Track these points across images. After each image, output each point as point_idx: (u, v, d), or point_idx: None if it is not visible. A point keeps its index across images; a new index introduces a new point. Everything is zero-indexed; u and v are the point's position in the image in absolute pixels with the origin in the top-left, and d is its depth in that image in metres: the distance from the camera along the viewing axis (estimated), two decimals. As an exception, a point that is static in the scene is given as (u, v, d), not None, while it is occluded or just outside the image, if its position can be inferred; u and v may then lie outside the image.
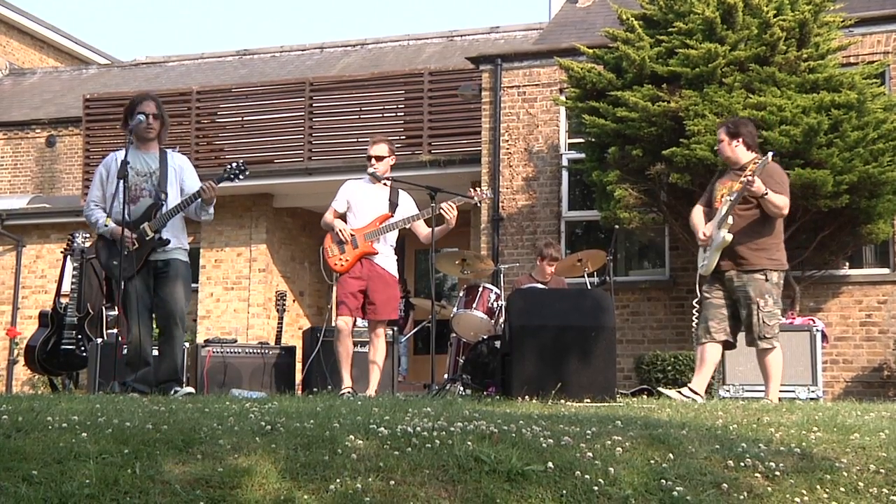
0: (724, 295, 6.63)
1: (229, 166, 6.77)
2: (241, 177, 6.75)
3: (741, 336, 6.72)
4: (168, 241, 6.54)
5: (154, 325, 6.78)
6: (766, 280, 6.51)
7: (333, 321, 7.49)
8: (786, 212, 6.67)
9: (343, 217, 7.48)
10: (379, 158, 7.51)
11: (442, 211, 7.21)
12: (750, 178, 6.32)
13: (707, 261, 6.65)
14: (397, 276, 7.55)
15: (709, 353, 6.63)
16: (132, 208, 6.46)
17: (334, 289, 7.64)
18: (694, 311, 6.79)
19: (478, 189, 7.48)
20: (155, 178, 6.63)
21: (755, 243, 6.55)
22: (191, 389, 6.56)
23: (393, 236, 7.49)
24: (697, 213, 6.90)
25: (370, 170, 7.49)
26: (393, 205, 7.46)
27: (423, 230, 7.53)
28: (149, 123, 6.62)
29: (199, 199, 6.55)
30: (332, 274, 7.50)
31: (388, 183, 7.55)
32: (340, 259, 7.35)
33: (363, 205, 7.45)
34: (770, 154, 6.59)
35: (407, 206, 7.52)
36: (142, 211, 6.55)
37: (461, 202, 7.38)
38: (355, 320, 7.48)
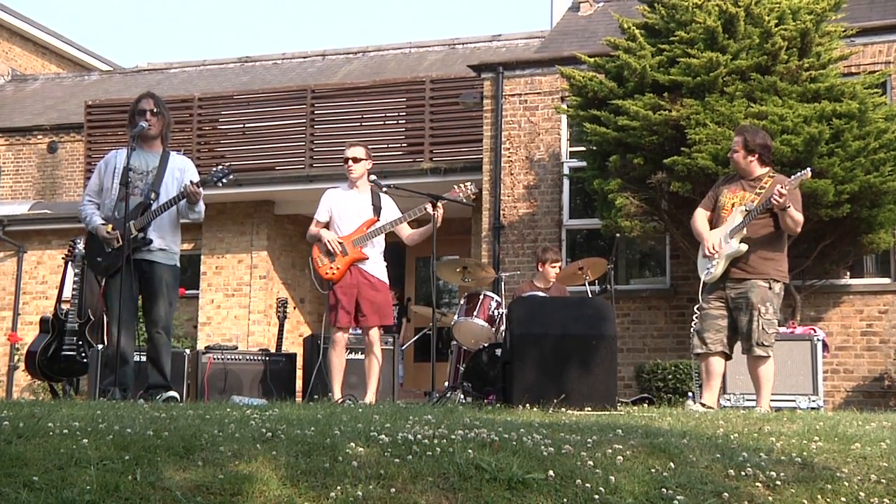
0: (723, 305, 6.61)
1: (213, 170, 6.73)
2: (224, 181, 6.68)
3: (737, 347, 6.70)
4: (150, 241, 6.49)
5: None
6: (769, 289, 6.49)
7: (330, 328, 7.43)
8: (799, 230, 6.63)
9: (327, 227, 7.43)
10: (356, 160, 7.44)
11: (427, 210, 7.16)
12: (783, 191, 6.27)
13: (714, 269, 6.58)
14: (387, 281, 7.48)
15: (714, 365, 6.60)
16: (122, 206, 6.44)
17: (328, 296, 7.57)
18: (694, 318, 6.77)
19: (460, 185, 7.32)
20: (150, 178, 6.60)
21: (765, 253, 6.53)
22: (174, 394, 6.44)
23: (381, 241, 7.44)
24: (701, 217, 6.83)
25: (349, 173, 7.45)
26: (377, 209, 7.39)
27: (406, 232, 7.48)
28: (147, 120, 6.61)
29: (184, 200, 6.54)
30: (323, 283, 7.40)
31: (369, 186, 7.47)
32: (331, 268, 7.28)
33: (347, 212, 7.39)
34: (808, 170, 6.56)
35: (390, 209, 7.46)
36: (130, 209, 6.51)
37: (446, 202, 7.30)
38: (353, 327, 7.46)
